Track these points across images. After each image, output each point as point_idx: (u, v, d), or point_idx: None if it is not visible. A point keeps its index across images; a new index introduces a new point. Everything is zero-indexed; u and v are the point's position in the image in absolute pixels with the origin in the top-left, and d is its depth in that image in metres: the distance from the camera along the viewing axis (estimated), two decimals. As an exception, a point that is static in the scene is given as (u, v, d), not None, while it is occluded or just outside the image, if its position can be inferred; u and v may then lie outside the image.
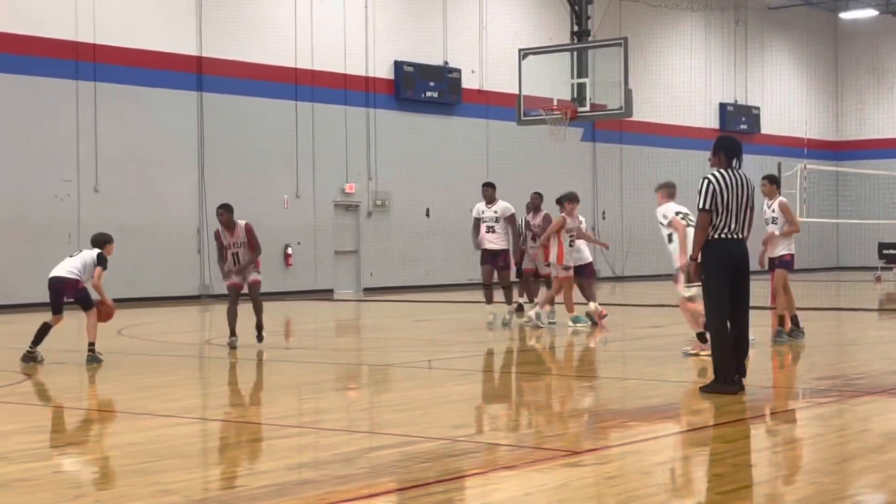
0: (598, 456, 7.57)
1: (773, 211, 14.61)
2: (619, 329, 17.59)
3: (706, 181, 9.71)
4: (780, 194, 14.80)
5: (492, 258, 17.76)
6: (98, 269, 13.41)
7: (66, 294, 13.29)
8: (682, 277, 12.45)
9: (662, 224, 13.11)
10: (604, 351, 15.10)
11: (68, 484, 7.02)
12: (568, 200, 17.06)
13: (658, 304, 22.14)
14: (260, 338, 14.76)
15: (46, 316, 13.32)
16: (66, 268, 13.36)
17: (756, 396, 9.88)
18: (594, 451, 7.77)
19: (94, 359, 13.08)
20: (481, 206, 17.94)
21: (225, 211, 14.64)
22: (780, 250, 14.64)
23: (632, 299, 25.57)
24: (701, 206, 9.69)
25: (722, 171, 9.80)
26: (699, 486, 6.86)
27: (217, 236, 14.69)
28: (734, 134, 40.74)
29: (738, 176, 9.80)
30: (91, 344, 13.22)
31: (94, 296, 13.43)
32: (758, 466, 7.30)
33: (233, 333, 14.62)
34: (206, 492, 6.68)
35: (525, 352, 14.71)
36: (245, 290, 14.74)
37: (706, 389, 9.86)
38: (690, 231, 12.02)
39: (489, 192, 17.91)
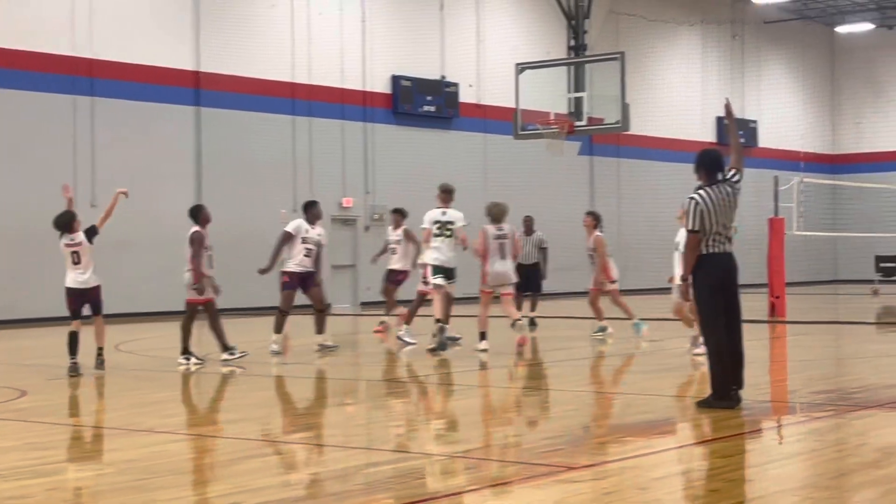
0: (596, 472, 7.56)
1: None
2: (617, 343, 17.58)
3: (693, 202, 9.70)
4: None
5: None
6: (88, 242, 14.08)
7: (90, 300, 13.85)
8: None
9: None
10: (602, 365, 15.08)
11: (63, 501, 7.00)
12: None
13: (657, 318, 22.11)
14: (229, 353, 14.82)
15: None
16: (87, 276, 13.89)
17: (753, 411, 9.87)
18: (591, 466, 7.75)
19: (102, 364, 13.55)
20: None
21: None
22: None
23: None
24: (690, 228, 9.72)
25: (707, 189, 9.76)
26: (696, 501, 6.84)
27: (203, 238, 14.59)
28: (722, 147, 40.87)
29: (723, 191, 9.77)
30: (101, 349, 13.74)
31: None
32: (754, 482, 7.28)
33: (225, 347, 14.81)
34: (201, 509, 6.66)
35: (524, 366, 14.68)
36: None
37: (703, 404, 9.85)
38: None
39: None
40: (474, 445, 8.84)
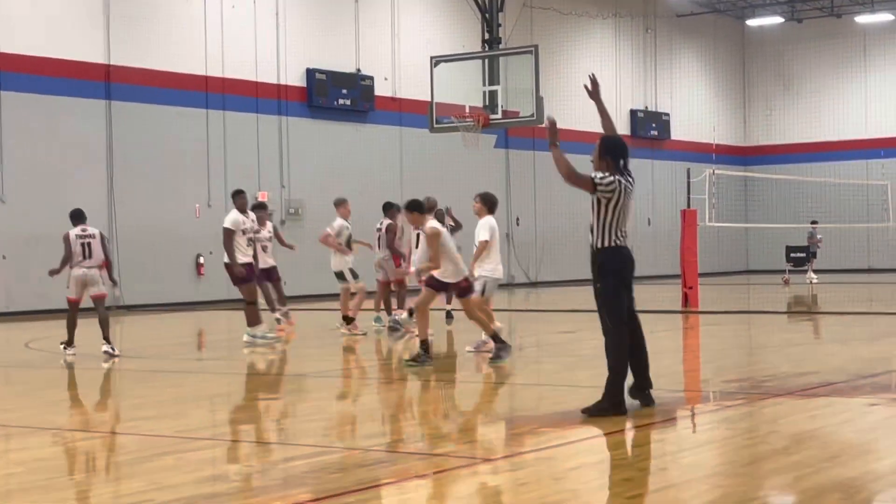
0: (512, 462, 7.61)
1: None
2: (532, 335, 17.69)
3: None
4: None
5: None
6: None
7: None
8: None
9: None
10: (517, 356, 15.16)
11: (-28, 502, 6.88)
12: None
13: (571, 310, 22.31)
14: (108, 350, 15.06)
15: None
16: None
17: (665, 400, 10.00)
18: (507, 457, 7.81)
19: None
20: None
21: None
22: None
23: (545, 305, 25.75)
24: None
25: (617, 177, 9.34)
26: (610, 490, 6.92)
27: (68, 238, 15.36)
28: (644, 140, 41.48)
29: (627, 180, 9.42)
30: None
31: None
32: (667, 470, 7.39)
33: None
34: (114, 507, 6.59)
35: (438, 359, 14.71)
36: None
37: (590, 411, 9.20)
38: None
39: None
40: (390, 439, 8.85)
